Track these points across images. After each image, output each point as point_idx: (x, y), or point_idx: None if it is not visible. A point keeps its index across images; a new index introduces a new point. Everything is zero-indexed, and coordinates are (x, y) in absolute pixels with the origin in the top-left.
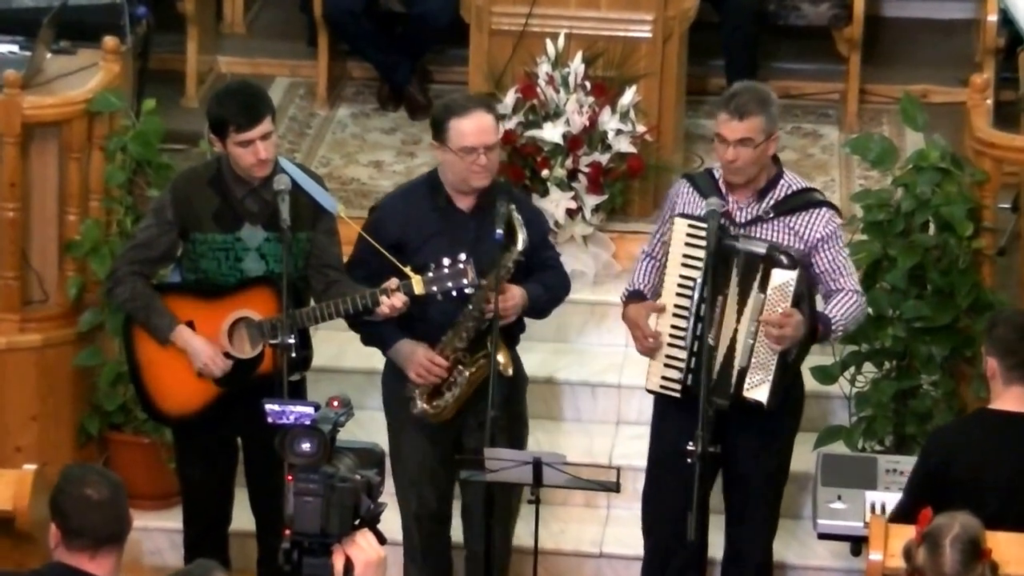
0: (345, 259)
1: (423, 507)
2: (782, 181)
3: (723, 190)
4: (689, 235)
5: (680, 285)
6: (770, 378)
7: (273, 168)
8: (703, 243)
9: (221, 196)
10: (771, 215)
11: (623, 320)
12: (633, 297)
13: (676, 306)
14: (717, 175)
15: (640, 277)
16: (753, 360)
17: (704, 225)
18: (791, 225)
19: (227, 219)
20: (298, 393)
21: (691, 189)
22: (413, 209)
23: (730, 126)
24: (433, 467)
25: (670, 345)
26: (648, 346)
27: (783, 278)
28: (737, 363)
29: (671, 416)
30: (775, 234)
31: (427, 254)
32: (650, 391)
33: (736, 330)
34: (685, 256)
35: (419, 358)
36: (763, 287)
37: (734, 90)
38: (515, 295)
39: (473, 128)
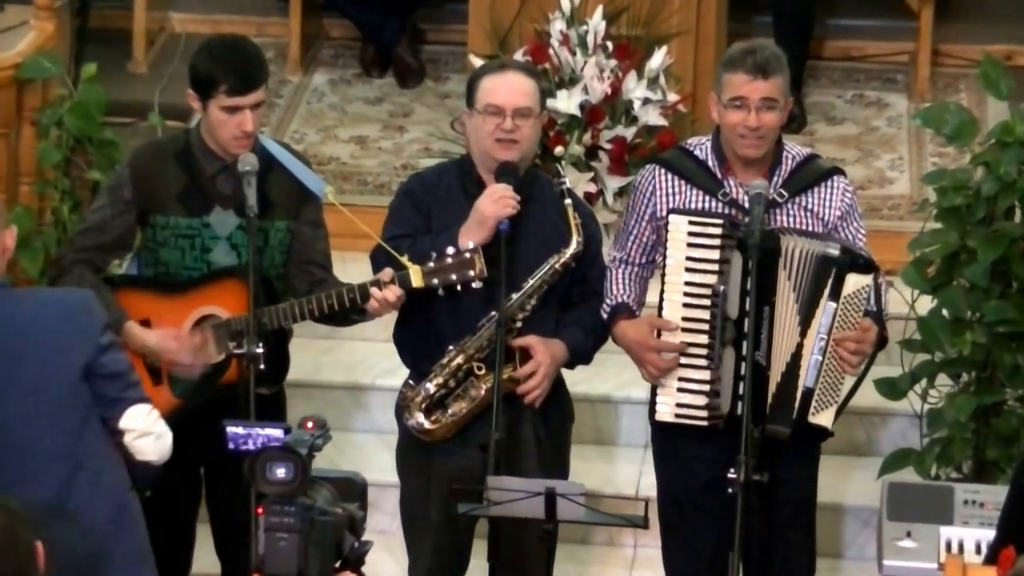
0: (357, 255)
1: (440, 559)
2: (784, 152)
3: (716, 172)
4: (693, 234)
5: (688, 294)
6: (838, 400)
7: (253, 145)
8: (714, 242)
9: (188, 174)
10: (785, 197)
11: (617, 342)
12: (621, 312)
13: (686, 319)
14: (702, 154)
15: (619, 288)
16: (822, 380)
17: (713, 221)
18: (806, 205)
19: (194, 201)
20: (274, 410)
21: (670, 176)
22: (440, 190)
23: (753, 86)
24: (455, 515)
25: (684, 366)
26: (664, 368)
27: (858, 284)
28: (801, 384)
29: (687, 446)
30: (792, 220)
31: (447, 243)
32: (661, 423)
33: (801, 345)
34: (691, 259)
35: (490, 191)
36: (835, 295)
37: (745, 47)
38: (541, 363)
39: (503, 86)
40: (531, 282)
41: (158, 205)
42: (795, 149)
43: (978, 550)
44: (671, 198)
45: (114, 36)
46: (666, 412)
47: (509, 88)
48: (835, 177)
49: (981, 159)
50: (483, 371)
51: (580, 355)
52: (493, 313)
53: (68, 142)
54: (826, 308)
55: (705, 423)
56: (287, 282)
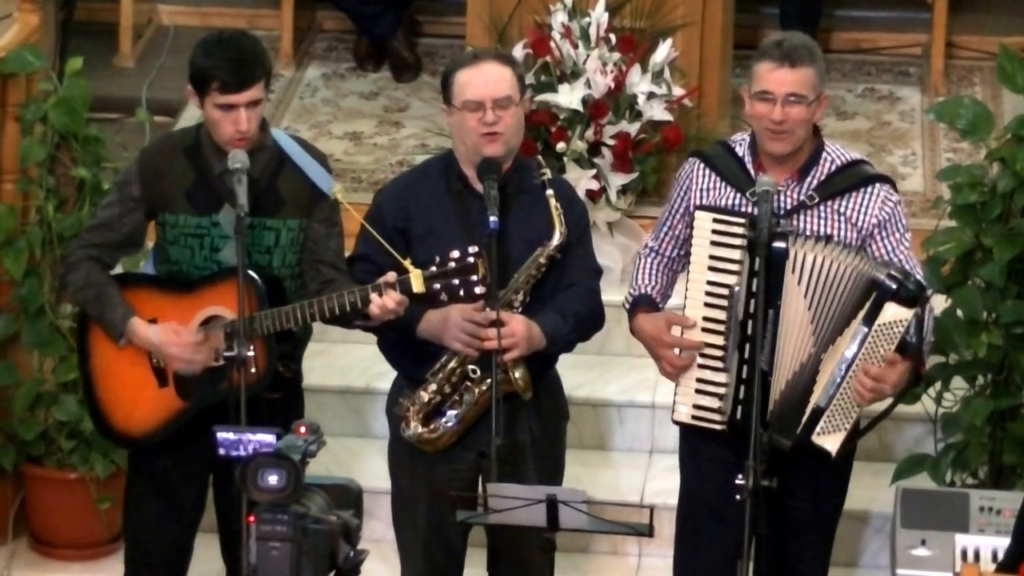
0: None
1: (429, 563)
2: (824, 154)
3: (750, 169)
4: (717, 232)
5: (709, 294)
6: (847, 426)
7: (259, 142)
8: (736, 241)
9: (197, 171)
10: (816, 200)
11: (635, 335)
12: (641, 304)
13: (706, 319)
14: (740, 151)
15: (645, 278)
16: (835, 402)
17: (737, 220)
18: (840, 210)
19: (202, 199)
20: (286, 416)
21: (707, 170)
22: (421, 192)
23: (778, 75)
24: (444, 518)
25: (702, 367)
26: (679, 365)
27: (896, 315)
28: (814, 400)
29: (707, 449)
30: (822, 223)
31: (433, 246)
32: (679, 423)
33: (820, 360)
34: (713, 258)
35: (456, 322)
36: (869, 320)
37: (776, 38)
38: (515, 331)
39: (479, 78)
40: (517, 277)
41: (166, 203)
42: (838, 151)
43: (995, 559)
44: (705, 193)
45: (100, 29)
46: (684, 413)
47: (485, 80)
48: (877, 184)
49: (997, 155)
50: (478, 374)
51: (557, 339)
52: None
53: (53, 139)
54: (857, 331)
55: (719, 426)
56: (297, 280)
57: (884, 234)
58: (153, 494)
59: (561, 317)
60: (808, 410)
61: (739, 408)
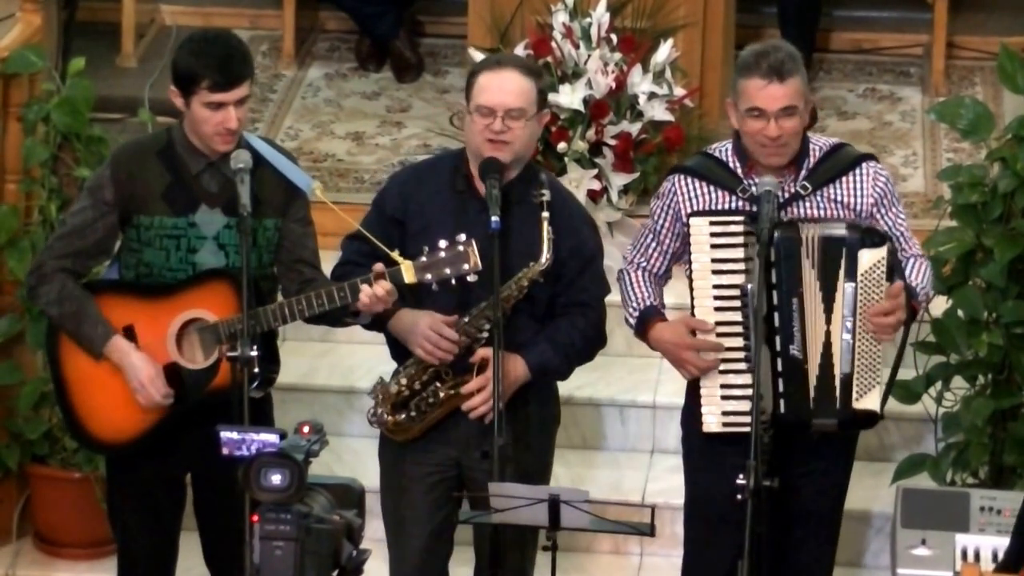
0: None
1: (413, 557)
2: (811, 144)
3: (738, 171)
4: (716, 234)
5: (719, 297)
6: (879, 380)
7: (237, 142)
8: (738, 240)
9: (172, 172)
10: (809, 189)
11: (652, 346)
12: (652, 316)
13: (719, 323)
14: (723, 156)
15: (643, 292)
16: (857, 362)
17: (734, 219)
18: (834, 197)
19: (179, 199)
20: (261, 416)
21: (691, 181)
22: (425, 185)
23: (769, 92)
24: (428, 513)
25: (724, 372)
26: (704, 367)
27: (873, 258)
28: (839, 371)
29: (716, 448)
30: (818, 211)
31: (427, 242)
32: (711, 433)
33: (829, 332)
34: (716, 261)
35: (422, 330)
36: (851, 274)
37: (758, 50)
38: (489, 380)
39: (495, 85)
40: (499, 292)
41: (142, 205)
42: (821, 140)
43: (995, 558)
44: (693, 202)
45: (102, 29)
46: (713, 423)
47: (500, 88)
48: (864, 164)
49: (998, 155)
50: (449, 376)
51: (548, 372)
52: (466, 319)
53: (55, 139)
54: (845, 290)
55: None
56: (277, 281)
57: (883, 211)
58: (133, 502)
59: (551, 347)
60: (837, 383)
61: (782, 402)
